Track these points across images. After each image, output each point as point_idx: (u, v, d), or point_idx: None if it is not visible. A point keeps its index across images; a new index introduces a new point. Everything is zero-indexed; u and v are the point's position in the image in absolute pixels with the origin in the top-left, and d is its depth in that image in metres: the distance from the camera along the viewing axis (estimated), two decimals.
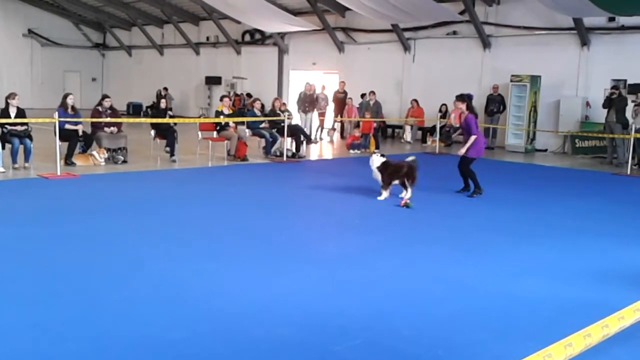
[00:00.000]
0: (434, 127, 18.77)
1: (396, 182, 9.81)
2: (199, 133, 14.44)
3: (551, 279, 5.96)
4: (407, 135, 20.75)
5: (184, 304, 4.91)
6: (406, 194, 9.63)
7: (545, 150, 18.57)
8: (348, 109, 19.78)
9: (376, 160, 9.76)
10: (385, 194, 9.77)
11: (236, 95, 25.46)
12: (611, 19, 16.93)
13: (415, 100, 20.45)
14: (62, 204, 8.85)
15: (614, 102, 15.35)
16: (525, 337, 4.48)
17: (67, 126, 12.19)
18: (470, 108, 10.34)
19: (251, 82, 27.20)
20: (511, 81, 18.34)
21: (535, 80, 18.09)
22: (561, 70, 18.09)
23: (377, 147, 17.67)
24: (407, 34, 21.74)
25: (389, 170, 9.71)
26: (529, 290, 5.56)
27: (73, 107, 12.61)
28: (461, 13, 19.26)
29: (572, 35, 17.84)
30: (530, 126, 18.14)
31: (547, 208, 9.76)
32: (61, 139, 11.67)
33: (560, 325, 4.45)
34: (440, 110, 19.55)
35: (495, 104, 18.74)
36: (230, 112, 15.31)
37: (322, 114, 21.04)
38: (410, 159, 9.99)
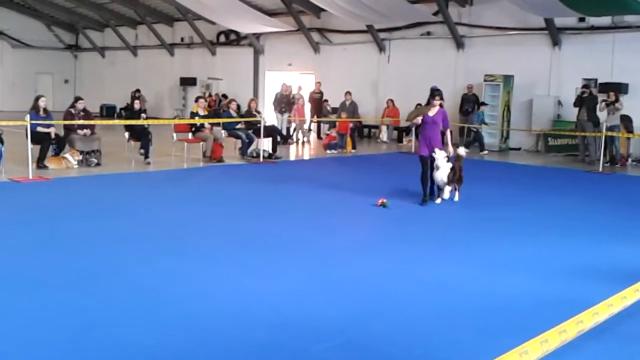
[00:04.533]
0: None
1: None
2: (174, 134, 14.34)
3: (527, 275, 6.02)
4: (384, 135, 20.83)
5: (159, 307, 4.87)
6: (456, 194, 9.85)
7: (519, 148, 18.76)
8: (298, 108, 19.89)
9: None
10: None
11: (210, 95, 25.33)
12: (581, 20, 17.15)
13: (391, 100, 20.53)
14: (34, 208, 8.72)
15: (585, 101, 15.58)
16: (502, 334, 4.52)
17: (39, 129, 12.02)
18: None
19: (227, 83, 27.06)
20: (485, 81, 18.51)
21: (508, 79, 18.27)
22: (533, 70, 18.29)
23: (353, 147, 17.74)
24: (382, 35, 21.82)
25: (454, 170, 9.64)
26: (505, 288, 5.62)
27: (45, 110, 12.46)
28: (435, 14, 19.38)
29: (543, 35, 18.04)
30: (504, 125, 18.32)
31: (522, 206, 9.85)
32: (33, 141, 11.49)
33: (537, 322, 4.47)
34: None
35: (470, 103, 18.88)
36: (206, 113, 15.23)
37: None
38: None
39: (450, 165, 9.54)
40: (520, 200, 10.40)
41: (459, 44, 19.82)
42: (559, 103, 17.93)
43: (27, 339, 4.21)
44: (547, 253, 6.95)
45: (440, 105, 9.73)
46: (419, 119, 9.73)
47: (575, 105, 16.04)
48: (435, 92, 9.76)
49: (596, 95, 16.01)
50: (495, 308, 5.11)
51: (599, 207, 9.96)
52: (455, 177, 9.65)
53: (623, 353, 4.37)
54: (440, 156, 9.45)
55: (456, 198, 9.89)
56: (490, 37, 19.13)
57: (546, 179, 13.23)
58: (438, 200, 9.69)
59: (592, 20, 17.04)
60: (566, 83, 17.74)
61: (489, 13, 19.09)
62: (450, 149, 9.73)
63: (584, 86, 16.09)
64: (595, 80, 16.93)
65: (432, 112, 9.65)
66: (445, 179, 9.53)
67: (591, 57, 17.15)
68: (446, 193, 9.75)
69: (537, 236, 7.72)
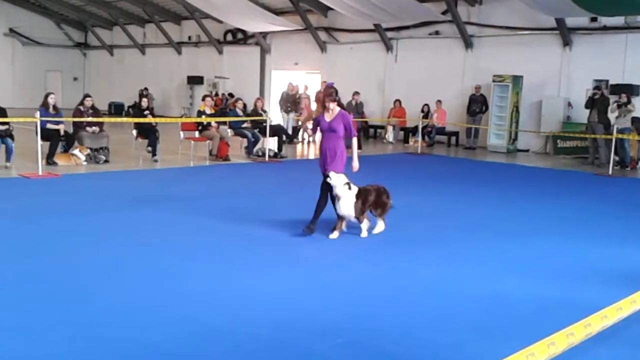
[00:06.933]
0: (416, 127, 18.78)
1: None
2: (181, 133, 14.33)
3: (534, 278, 5.97)
4: (390, 136, 20.75)
5: (164, 305, 4.85)
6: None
7: (527, 150, 18.66)
8: (306, 107, 19.95)
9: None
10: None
11: (217, 94, 25.34)
12: (593, 19, 17.02)
13: (398, 101, 20.47)
14: (43, 204, 8.74)
15: (596, 103, 15.44)
16: (508, 336, 4.48)
17: (49, 125, 12.06)
18: (340, 104, 7.67)
19: (233, 82, 27.09)
20: (493, 81, 18.40)
21: (517, 80, 18.16)
22: (543, 71, 18.17)
23: (359, 147, 17.64)
24: (389, 34, 21.75)
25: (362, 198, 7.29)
26: (512, 290, 5.57)
27: (55, 107, 12.49)
28: (443, 13, 19.30)
29: (554, 35, 17.93)
30: (512, 126, 18.22)
31: (530, 208, 9.78)
32: (43, 138, 11.54)
33: (543, 324, 4.43)
34: (422, 111, 19.54)
35: (478, 104, 18.78)
36: (213, 111, 15.22)
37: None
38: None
39: (354, 191, 7.19)
40: (527, 202, 10.32)
41: (468, 43, 19.73)
42: (569, 104, 17.81)
43: (29, 334, 4.20)
44: (555, 255, 6.90)
45: (341, 107, 7.68)
46: (310, 123, 7.77)
47: (586, 106, 15.90)
48: (329, 93, 7.41)
49: (608, 96, 15.88)
50: (501, 310, 5.06)
51: (608, 211, 9.87)
52: (366, 207, 7.33)
53: (630, 357, 4.32)
54: (337, 182, 7.14)
55: (377, 229, 7.48)
56: (500, 37, 19.02)
57: (554, 182, 13.15)
58: (334, 235, 7.25)
59: (605, 20, 16.89)
60: (576, 84, 17.61)
61: (498, 12, 19.00)
62: (356, 164, 7.57)
63: (595, 87, 15.95)
64: (607, 81, 16.80)
65: (328, 117, 7.45)
66: (352, 213, 7.17)
67: (603, 57, 17.01)
68: (364, 231, 7.38)
69: (544, 238, 7.66)
